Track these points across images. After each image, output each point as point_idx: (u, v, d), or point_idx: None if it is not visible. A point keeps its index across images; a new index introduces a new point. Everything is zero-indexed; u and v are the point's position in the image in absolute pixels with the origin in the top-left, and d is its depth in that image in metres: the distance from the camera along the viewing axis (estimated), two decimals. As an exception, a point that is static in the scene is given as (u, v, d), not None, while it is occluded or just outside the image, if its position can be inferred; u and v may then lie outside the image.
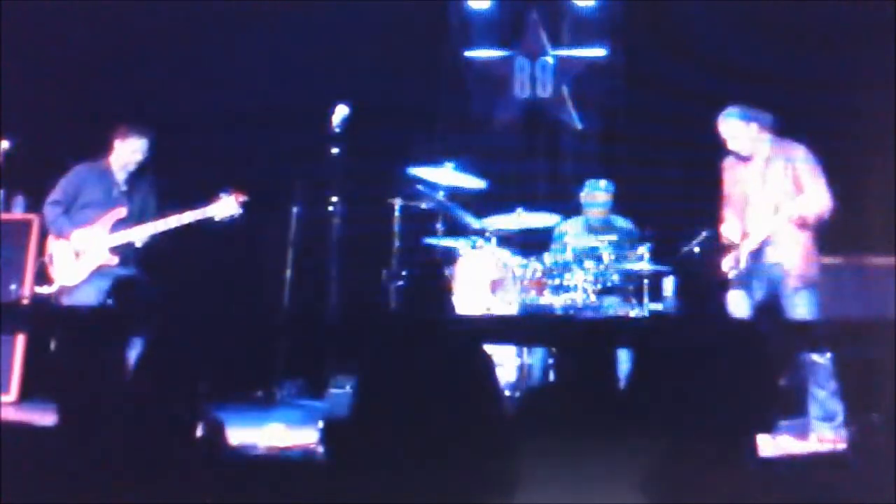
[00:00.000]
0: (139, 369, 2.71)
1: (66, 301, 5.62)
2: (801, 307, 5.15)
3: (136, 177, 5.84)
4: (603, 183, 6.47)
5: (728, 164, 5.50)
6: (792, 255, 5.19)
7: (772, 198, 5.24)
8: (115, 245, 5.66)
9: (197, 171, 6.07)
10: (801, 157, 5.25)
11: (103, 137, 5.87)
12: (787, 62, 6.93)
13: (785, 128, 5.48)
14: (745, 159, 5.38)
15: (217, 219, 5.64)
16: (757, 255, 5.26)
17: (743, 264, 5.27)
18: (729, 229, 5.43)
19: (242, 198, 5.66)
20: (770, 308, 5.25)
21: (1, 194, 6.48)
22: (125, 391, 2.78)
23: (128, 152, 5.78)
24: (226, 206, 5.64)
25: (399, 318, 3.67)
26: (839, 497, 2.22)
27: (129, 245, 5.68)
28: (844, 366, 5.06)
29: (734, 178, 5.44)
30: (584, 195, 6.47)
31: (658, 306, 5.92)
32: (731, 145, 5.40)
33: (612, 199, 6.47)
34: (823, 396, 5.11)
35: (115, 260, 5.66)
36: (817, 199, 5.14)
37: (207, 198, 5.68)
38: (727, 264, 5.35)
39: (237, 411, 5.12)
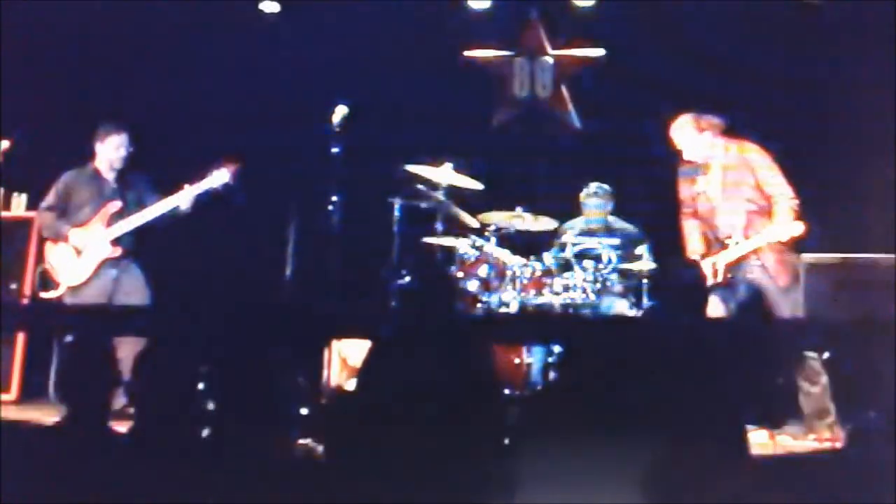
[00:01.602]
0: (139, 366, 2.71)
1: (76, 300, 5.64)
2: (784, 309, 5.17)
3: (125, 174, 5.89)
4: (601, 186, 6.46)
5: (684, 172, 5.49)
6: (771, 262, 5.20)
7: (738, 204, 5.26)
8: (116, 237, 5.71)
9: (195, 171, 6.08)
10: (756, 156, 5.27)
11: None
12: (788, 62, 6.93)
13: (735, 127, 5.48)
14: (702, 167, 5.38)
15: (212, 188, 5.71)
16: (735, 268, 5.27)
17: (721, 277, 5.28)
18: (695, 241, 5.45)
19: (234, 167, 5.74)
20: (755, 310, 5.28)
21: (1, 193, 6.49)
22: (126, 389, 2.78)
23: (110, 151, 5.82)
24: (218, 177, 5.72)
25: (400, 317, 3.67)
26: (838, 497, 2.23)
27: (131, 235, 5.73)
28: (842, 364, 5.08)
29: (694, 187, 5.44)
30: (583, 197, 6.47)
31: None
32: (687, 155, 5.40)
33: (611, 202, 6.47)
34: (819, 395, 5.12)
35: (119, 251, 5.71)
36: (796, 226, 5.13)
37: (200, 178, 5.79)
38: (706, 275, 5.37)
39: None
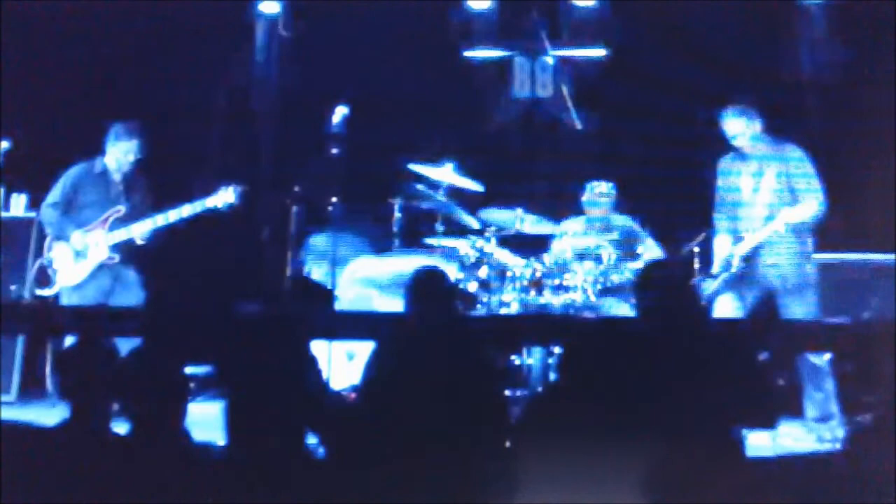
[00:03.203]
0: (138, 367, 2.71)
1: (68, 301, 5.65)
2: (796, 310, 5.17)
3: (132, 175, 5.88)
4: (603, 185, 6.44)
5: (724, 163, 5.53)
6: (786, 259, 5.21)
7: (766, 201, 5.28)
8: (115, 243, 5.72)
9: (195, 170, 6.08)
10: (796, 161, 5.29)
11: (102, 136, 5.90)
12: (787, 61, 6.94)
13: (781, 129, 5.50)
14: (744, 159, 5.41)
15: (215, 206, 5.71)
16: (750, 258, 5.28)
17: (735, 267, 5.28)
18: (721, 235, 5.47)
19: (239, 188, 5.74)
20: (765, 310, 5.27)
21: (1, 194, 6.49)
22: (125, 390, 2.78)
23: (120, 154, 5.82)
24: (223, 197, 5.72)
25: (401, 319, 3.67)
26: (838, 497, 2.23)
27: (130, 242, 5.74)
28: (843, 366, 5.07)
29: (729, 178, 5.47)
30: (586, 196, 6.46)
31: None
32: (735, 143, 5.43)
33: (612, 200, 6.45)
34: (821, 398, 5.12)
35: (117, 258, 5.72)
36: (812, 206, 5.14)
37: (205, 194, 5.75)
38: (718, 267, 5.38)
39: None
